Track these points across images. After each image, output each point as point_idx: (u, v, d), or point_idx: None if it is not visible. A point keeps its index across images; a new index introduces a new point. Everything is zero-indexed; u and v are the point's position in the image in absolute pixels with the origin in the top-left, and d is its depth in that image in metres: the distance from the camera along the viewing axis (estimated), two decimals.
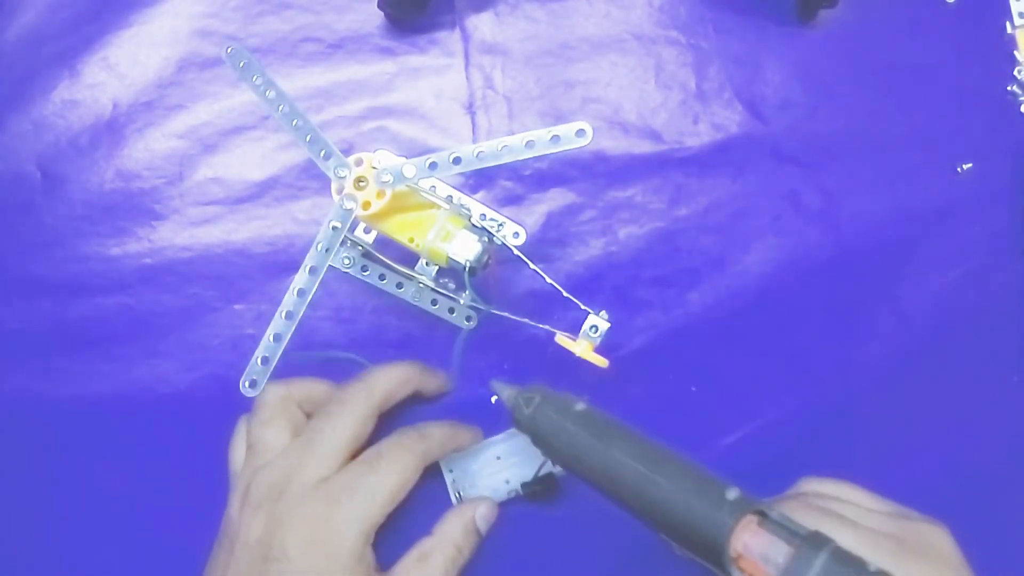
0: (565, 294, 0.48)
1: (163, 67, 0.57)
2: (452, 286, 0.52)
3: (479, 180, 0.57)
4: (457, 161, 0.44)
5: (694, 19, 0.59)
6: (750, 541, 0.35)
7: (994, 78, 0.60)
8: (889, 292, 0.58)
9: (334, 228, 0.45)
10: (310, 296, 0.45)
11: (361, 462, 0.47)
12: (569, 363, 0.46)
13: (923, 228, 0.58)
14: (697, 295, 0.57)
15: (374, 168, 0.45)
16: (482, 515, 0.50)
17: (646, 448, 0.40)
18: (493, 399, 0.47)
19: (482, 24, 0.58)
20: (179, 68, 0.57)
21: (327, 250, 0.45)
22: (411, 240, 0.46)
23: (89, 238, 0.56)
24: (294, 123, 0.45)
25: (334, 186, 0.45)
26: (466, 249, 0.46)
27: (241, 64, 0.45)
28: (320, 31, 0.58)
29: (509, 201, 0.57)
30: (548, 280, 0.48)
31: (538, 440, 0.44)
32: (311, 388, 0.50)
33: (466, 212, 0.48)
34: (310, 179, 0.56)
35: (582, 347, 0.46)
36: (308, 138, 0.45)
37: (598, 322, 0.46)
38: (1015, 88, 0.60)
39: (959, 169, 0.59)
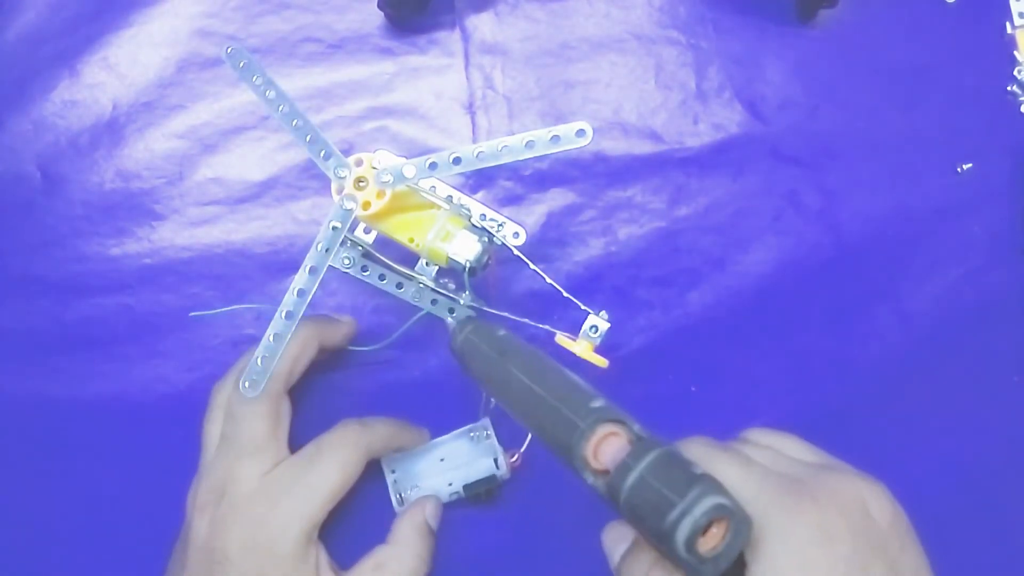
0: (565, 294, 0.48)
1: (163, 67, 0.57)
2: (452, 286, 0.52)
3: (479, 180, 0.57)
4: (457, 161, 0.44)
5: (694, 19, 0.59)
6: (602, 448, 0.37)
7: (994, 78, 0.60)
8: (889, 292, 0.58)
9: (334, 228, 0.45)
10: (310, 296, 0.45)
11: (300, 458, 0.47)
12: (569, 363, 0.46)
13: (923, 228, 0.58)
14: (697, 295, 0.57)
15: (374, 168, 0.45)
16: (431, 514, 0.50)
17: (537, 364, 0.42)
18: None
19: (482, 24, 0.58)
20: (179, 68, 0.57)
21: (327, 250, 0.45)
22: (411, 240, 0.46)
23: (89, 238, 0.56)
24: (294, 123, 0.45)
25: (334, 186, 0.45)
26: (466, 249, 0.46)
27: (241, 64, 0.45)
28: (320, 31, 0.58)
29: (509, 201, 0.57)
30: (548, 280, 0.48)
31: (460, 360, 0.46)
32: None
33: (466, 212, 0.48)
34: (310, 179, 0.56)
35: (582, 347, 0.46)
36: (308, 138, 0.45)
37: (598, 322, 0.46)
38: (1015, 88, 0.60)
39: (959, 169, 0.59)
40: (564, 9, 0.59)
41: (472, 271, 0.46)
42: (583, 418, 0.38)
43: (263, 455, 0.46)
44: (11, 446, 0.54)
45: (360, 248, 0.52)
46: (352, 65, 0.58)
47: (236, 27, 0.58)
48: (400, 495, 0.52)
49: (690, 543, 0.33)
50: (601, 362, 0.46)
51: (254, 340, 0.46)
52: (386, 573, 0.47)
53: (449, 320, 0.51)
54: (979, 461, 0.57)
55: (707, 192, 0.58)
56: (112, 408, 0.54)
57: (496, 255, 0.49)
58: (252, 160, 0.57)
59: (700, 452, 0.39)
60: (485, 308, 0.50)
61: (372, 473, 0.51)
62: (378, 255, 0.51)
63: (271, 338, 0.45)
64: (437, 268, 0.50)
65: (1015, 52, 0.60)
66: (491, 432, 0.53)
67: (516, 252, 0.48)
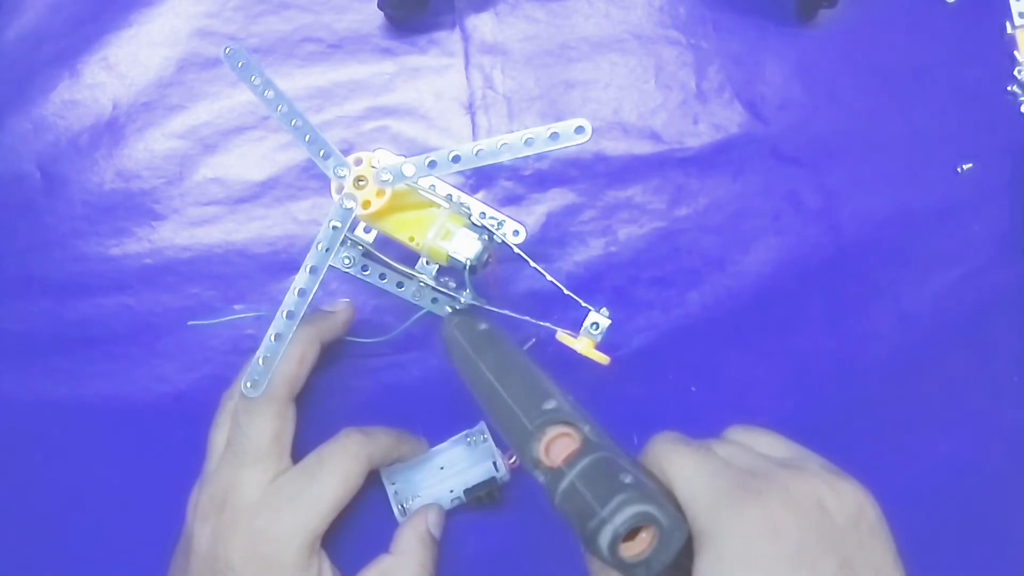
0: (566, 292, 0.48)
1: (163, 67, 0.57)
2: (452, 285, 0.51)
3: (479, 180, 0.57)
4: (456, 159, 0.44)
5: (694, 19, 0.59)
6: (552, 448, 0.38)
7: (994, 78, 0.60)
8: (889, 292, 0.58)
9: (334, 227, 0.45)
10: (311, 296, 0.45)
11: (303, 468, 0.47)
12: (570, 362, 0.46)
13: (923, 228, 0.58)
14: (697, 295, 0.57)
15: (373, 167, 0.45)
16: (433, 522, 0.51)
17: (505, 362, 0.43)
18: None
19: (482, 24, 0.58)
20: (179, 68, 0.57)
21: (327, 249, 0.45)
22: (411, 239, 0.46)
23: (89, 238, 0.56)
24: (293, 123, 0.45)
25: (334, 185, 0.45)
26: (466, 247, 0.46)
27: (239, 64, 0.45)
28: (320, 31, 0.58)
29: (509, 201, 0.57)
30: (548, 278, 0.48)
31: (445, 349, 0.47)
32: None
33: (466, 210, 0.48)
34: (310, 179, 0.56)
35: (583, 344, 0.46)
36: (307, 138, 0.45)
37: (599, 319, 0.46)
38: (1015, 88, 0.60)
39: (959, 169, 0.59)
40: (564, 9, 0.59)
41: (473, 269, 0.46)
42: (533, 419, 0.39)
43: (266, 464, 0.46)
44: (11, 446, 0.54)
45: (360, 247, 0.52)
46: (352, 65, 0.58)
47: (236, 27, 0.58)
48: (402, 506, 0.52)
49: (613, 549, 0.34)
50: (602, 359, 0.46)
51: (255, 340, 0.46)
52: None
53: (447, 309, 0.52)
54: (979, 461, 0.57)
55: (707, 192, 0.58)
56: (112, 408, 0.54)
57: (496, 254, 0.49)
58: (252, 160, 0.57)
59: (662, 448, 0.40)
60: (486, 306, 0.50)
61: (375, 482, 0.51)
62: (378, 254, 0.51)
63: (272, 338, 0.45)
64: (437, 267, 0.50)
65: (1015, 52, 0.60)
66: (488, 435, 0.53)
67: (516, 250, 0.48)
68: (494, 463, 0.52)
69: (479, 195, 0.56)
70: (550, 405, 0.39)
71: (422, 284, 0.52)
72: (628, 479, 0.35)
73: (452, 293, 0.51)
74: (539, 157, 0.57)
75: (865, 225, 0.58)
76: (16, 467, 0.54)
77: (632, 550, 0.34)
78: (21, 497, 0.54)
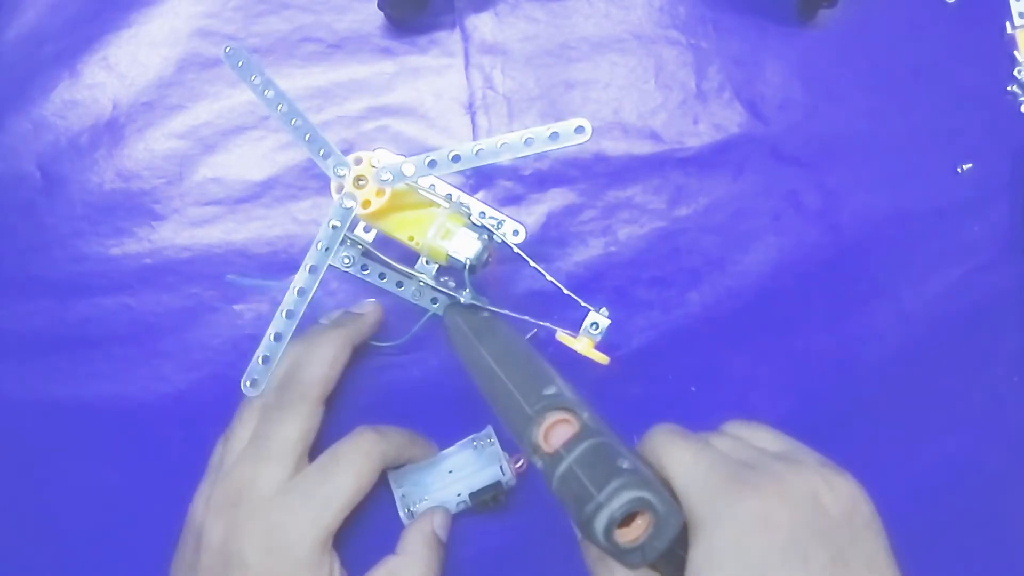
0: (566, 291, 0.47)
1: (163, 67, 0.57)
2: (452, 284, 0.51)
3: (479, 180, 0.57)
4: (456, 159, 0.44)
5: (694, 19, 0.59)
6: (551, 434, 0.38)
7: (994, 78, 0.60)
8: (889, 292, 0.58)
9: (334, 227, 0.45)
10: (311, 295, 0.45)
11: (318, 467, 0.47)
12: (570, 361, 0.46)
13: (923, 228, 0.58)
14: (697, 295, 0.57)
15: (373, 167, 0.45)
16: (440, 524, 0.51)
17: (506, 348, 0.43)
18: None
19: (482, 24, 0.58)
20: (179, 68, 0.57)
21: (327, 249, 0.45)
22: (411, 238, 0.46)
23: (89, 238, 0.56)
24: (293, 122, 0.45)
25: (333, 185, 0.45)
26: (466, 247, 0.46)
27: (239, 63, 0.45)
28: (320, 31, 0.58)
29: (509, 201, 0.57)
30: (548, 278, 0.48)
31: (448, 336, 0.48)
32: None
33: (466, 210, 0.48)
34: (310, 179, 0.56)
35: (583, 344, 0.46)
36: (307, 137, 0.45)
37: (599, 319, 0.46)
38: (1015, 88, 0.60)
39: (959, 169, 0.59)
40: (564, 9, 0.59)
41: (472, 269, 0.46)
42: (533, 404, 0.39)
43: (286, 461, 0.47)
44: (11, 446, 0.54)
45: (360, 247, 0.52)
46: (352, 65, 0.58)
47: (236, 27, 0.58)
48: (408, 509, 0.52)
49: (608, 534, 0.34)
50: (602, 359, 0.46)
51: (254, 340, 0.46)
52: None
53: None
54: (979, 461, 0.57)
55: (707, 192, 0.58)
56: (112, 408, 0.54)
57: (496, 254, 0.49)
58: (252, 160, 0.57)
59: (659, 439, 0.40)
60: (485, 306, 0.50)
61: (382, 486, 0.51)
62: (378, 254, 0.51)
63: (272, 337, 0.45)
64: (437, 266, 0.50)
65: (1015, 52, 0.60)
66: (495, 439, 0.53)
67: (516, 249, 0.48)
68: (500, 467, 0.52)
69: (479, 195, 0.56)
70: (550, 390, 0.39)
71: (422, 284, 0.52)
72: (625, 464, 0.35)
73: (452, 293, 0.51)
74: (539, 157, 0.57)
75: (865, 225, 0.58)
76: (16, 467, 0.54)
77: (627, 536, 0.34)
78: (21, 497, 0.54)
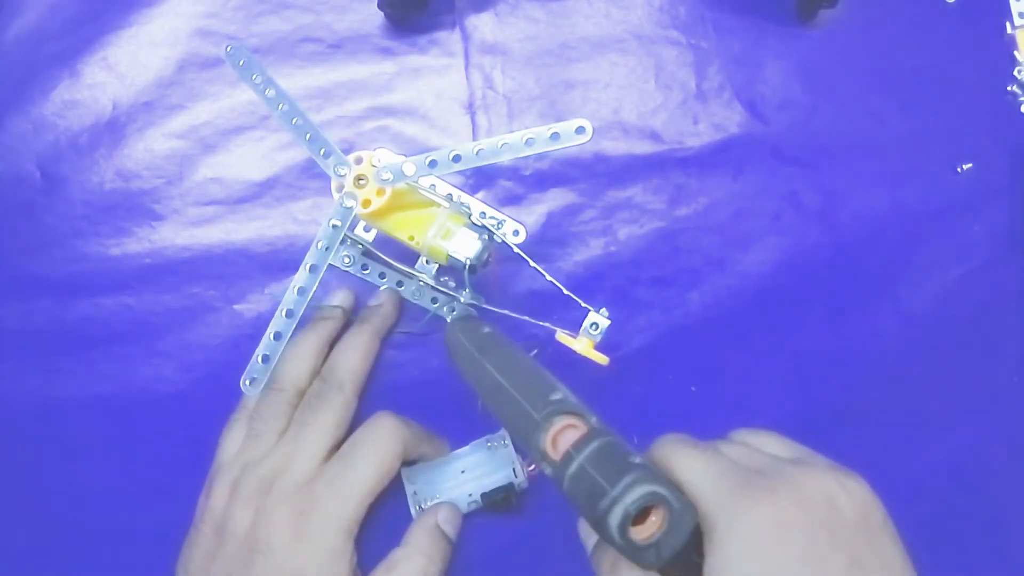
0: (565, 292, 0.48)
1: (163, 67, 0.57)
2: (452, 284, 0.51)
3: (479, 180, 0.57)
4: (457, 159, 0.44)
5: (694, 19, 0.59)
6: (559, 439, 0.38)
7: (994, 78, 0.60)
8: (889, 292, 0.58)
9: (334, 226, 0.45)
10: (310, 294, 0.45)
11: (340, 457, 0.48)
12: (570, 362, 0.46)
13: (923, 228, 0.58)
14: (697, 295, 0.57)
15: (374, 166, 0.45)
16: (444, 519, 0.50)
17: (508, 359, 0.43)
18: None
19: (482, 24, 0.58)
20: (179, 68, 0.57)
21: (327, 248, 0.45)
22: (411, 238, 0.46)
23: (89, 238, 0.56)
24: (294, 121, 0.45)
25: (334, 184, 0.45)
26: (466, 247, 0.46)
27: (240, 63, 0.45)
28: (320, 31, 0.58)
29: (509, 201, 0.57)
30: (548, 278, 0.48)
31: (448, 352, 0.48)
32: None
33: (466, 210, 0.48)
34: (310, 179, 0.56)
35: (582, 344, 0.46)
36: (308, 136, 0.45)
37: (598, 319, 0.46)
38: (1015, 88, 0.60)
39: (959, 169, 0.59)
40: (564, 9, 0.59)
41: (472, 269, 0.46)
42: (540, 410, 0.39)
43: (317, 450, 0.48)
44: (11, 446, 0.54)
45: (360, 246, 0.52)
46: (352, 65, 0.58)
47: (236, 27, 0.58)
48: (419, 507, 0.52)
49: (623, 530, 0.34)
50: (602, 359, 0.46)
51: (254, 340, 0.46)
52: (396, 574, 0.48)
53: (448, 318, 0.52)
54: (979, 461, 0.56)
55: (707, 192, 0.58)
56: (112, 408, 0.54)
57: (496, 253, 0.49)
58: (252, 160, 0.57)
59: (669, 448, 0.40)
60: (485, 306, 0.50)
61: (395, 485, 0.51)
62: (378, 253, 0.51)
63: (272, 336, 0.45)
64: (437, 266, 0.50)
65: (1015, 52, 0.60)
66: (508, 441, 0.53)
67: (516, 249, 0.48)
68: (513, 469, 0.52)
69: (479, 195, 0.56)
70: (557, 396, 0.39)
71: (422, 283, 0.52)
72: (638, 459, 0.35)
73: (451, 292, 0.51)
74: (539, 157, 0.57)
75: (865, 225, 0.58)
76: (16, 467, 0.54)
77: (642, 533, 0.34)
78: (22, 497, 0.54)
